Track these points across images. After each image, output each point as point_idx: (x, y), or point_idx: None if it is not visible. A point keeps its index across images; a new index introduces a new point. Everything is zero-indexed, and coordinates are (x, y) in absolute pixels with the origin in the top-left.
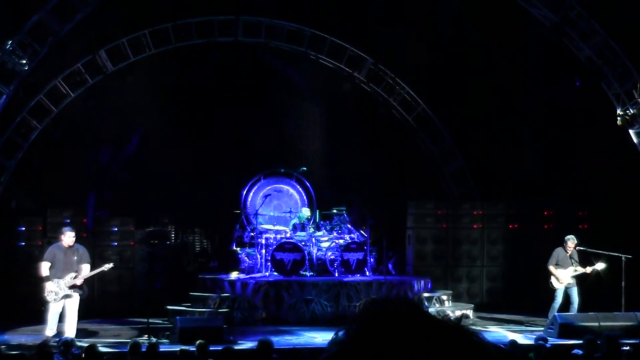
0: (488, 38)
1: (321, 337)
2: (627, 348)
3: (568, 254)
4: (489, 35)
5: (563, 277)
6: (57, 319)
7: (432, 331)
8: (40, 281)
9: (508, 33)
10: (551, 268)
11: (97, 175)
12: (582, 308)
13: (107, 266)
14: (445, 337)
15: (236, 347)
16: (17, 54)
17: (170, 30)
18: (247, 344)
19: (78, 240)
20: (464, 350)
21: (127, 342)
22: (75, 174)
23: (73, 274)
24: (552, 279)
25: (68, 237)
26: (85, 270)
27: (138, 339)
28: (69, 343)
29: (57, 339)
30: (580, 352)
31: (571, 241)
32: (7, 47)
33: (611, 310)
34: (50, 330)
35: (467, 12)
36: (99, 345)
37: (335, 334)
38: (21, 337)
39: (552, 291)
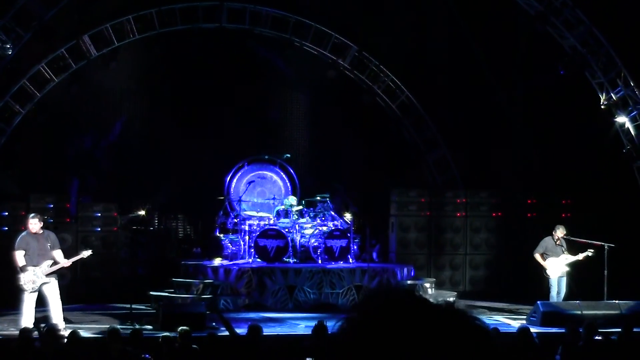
0: (473, 26)
1: (304, 324)
2: (613, 337)
3: (557, 243)
4: (474, 23)
5: (556, 266)
6: (34, 308)
7: (433, 318)
8: (17, 270)
9: (493, 21)
10: (536, 256)
11: (80, 160)
12: (566, 297)
13: (86, 253)
14: (447, 324)
15: (219, 334)
16: (1, 38)
17: (154, 15)
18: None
19: (62, 225)
20: (466, 335)
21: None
22: (59, 159)
23: (49, 262)
24: (548, 268)
25: (34, 225)
26: (59, 257)
27: (118, 325)
28: (53, 329)
29: (43, 325)
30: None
31: (560, 230)
32: None
33: (594, 298)
34: (26, 320)
35: (452, 0)
36: (80, 331)
37: (335, 324)
38: (3, 323)
39: (537, 279)
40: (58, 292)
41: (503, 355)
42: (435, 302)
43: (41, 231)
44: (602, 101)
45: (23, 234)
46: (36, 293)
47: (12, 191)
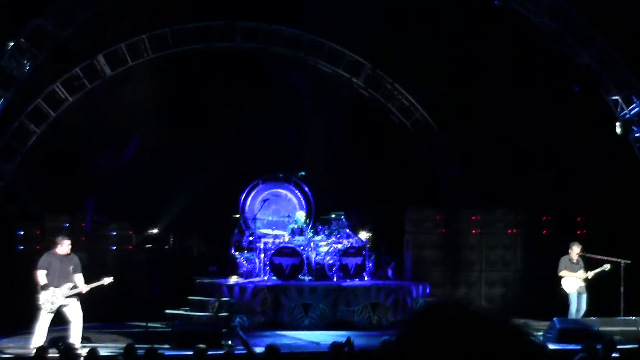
0: (487, 44)
1: (320, 341)
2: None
3: (574, 261)
4: (488, 41)
5: (572, 282)
6: (47, 329)
7: (486, 331)
8: (36, 288)
9: (507, 39)
10: (564, 272)
11: (95, 179)
12: (586, 315)
13: (107, 280)
14: (500, 338)
15: (236, 352)
16: (16, 58)
17: (168, 35)
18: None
19: (77, 244)
20: (518, 351)
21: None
22: (74, 179)
23: (70, 284)
24: (563, 284)
25: (66, 246)
26: (79, 281)
27: (133, 342)
28: (70, 348)
29: (60, 344)
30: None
31: (576, 246)
32: (6, 51)
33: (610, 315)
34: (37, 341)
35: (467, 18)
36: (99, 349)
37: (387, 337)
38: (19, 341)
39: (553, 296)
40: (81, 312)
41: None
42: (489, 315)
43: (69, 253)
44: (616, 118)
45: (47, 254)
46: (53, 314)
47: (27, 211)
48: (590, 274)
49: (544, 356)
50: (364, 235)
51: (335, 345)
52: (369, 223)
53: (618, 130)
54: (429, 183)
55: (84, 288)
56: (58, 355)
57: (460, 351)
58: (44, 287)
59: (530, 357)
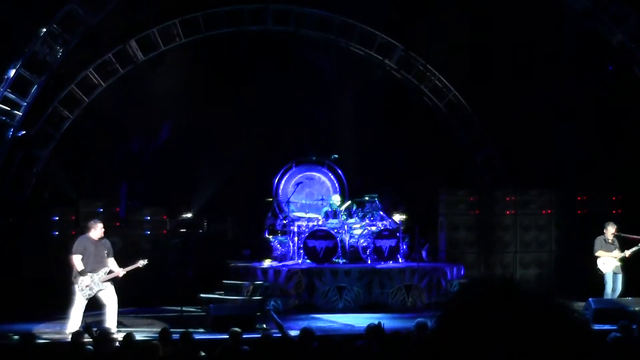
0: (519, 23)
1: (355, 324)
2: None
3: (610, 240)
4: (520, 20)
5: (608, 262)
6: (82, 313)
7: (530, 308)
8: (71, 274)
9: (540, 18)
10: (600, 252)
11: (128, 164)
12: (622, 295)
13: (142, 262)
14: (545, 315)
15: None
16: (49, 44)
17: (200, 19)
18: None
19: (111, 229)
20: (564, 327)
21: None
22: (107, 164)
23: (106, 269)
24: (599, 264)
25: (99, 230)
26: (113, 265)
27: (168, 327)
28: (106, 332)
29: (95, 328)
30: (618, 334)
31: (611, 226)
32: (39, 38)
33: None
34: (72, 326)
35: None
36: (135, 334)
37: (422, 319)
38: (55, 326)
39: (588, 276)
40: (116, 297)
41: (601, 350)
42: (533, 292)
43: (102, 237)
44: None
45: (81, 238)
46: (89, 299)
47: (61, 196)
48: (628, 253)
49: (590, 332)
50: (397, 217)
51: (371, 328)
52: (403, 205)
53: None
54: (463, 164)
55: (121, 272)
56: (94, 340)
57: (504, 329)
58: (82, 273)
59: (576, 334)
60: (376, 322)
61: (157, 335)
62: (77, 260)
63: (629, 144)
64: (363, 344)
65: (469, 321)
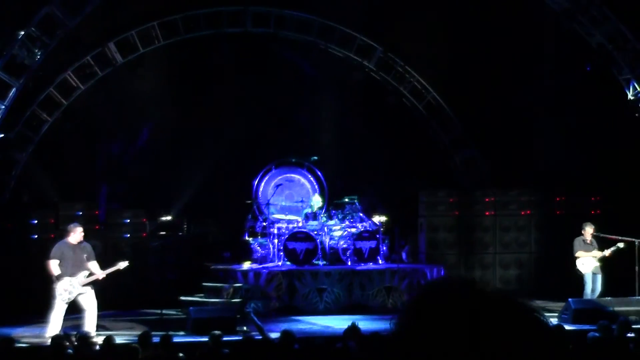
0: (498, 24)
1: (335, 326)
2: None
3: (588, 241)
4: (499, 21)
5: (587, 262)
6: (62, 318)
7: (489, 309)
8: (51, 278)
9: (518, 19)
10: (580, 253)
11: (108, 167)
12: (601, 295)
13: (122, 264)
14: (503, 315)
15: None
16: (27, 47)
17: (179, 21)
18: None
19: (91, 232)
20: (523, 328)
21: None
22: (87, 167)
23: (85, 272)
24: (578, 264)
25: (78, 234)
26: (95, 268)
27: (148, 330)
28: (85, 336)
29: (75, 332)
30: (597, 334)
31: (589, 226)
32: (17, 40)
33: (625, 295)
34: (52, 330)
35: None
36: (115, 337)
37: (391, 320)
38: (35, 330)
39: (568, 276)
40: (95, 301)
41: (564, 349)
42: (496, 292)
43: (81, 241)
44: (629, 97)
45: (59, 243)
46: (68, 303)
47: (40, 199)
48: (608, 252)
49: (550, 332)
50: (377, 219)
51: (347, 329)
52: (383, 206)
53: None
54: (442, 165)
55: (101, 274)
56: (74, 343)
57: (464, 330)
58: (58, 278)
59: (537, 333)
60: (356, 323)
61: (137, 338)
62: (53, 265)
63: (607, 145)
64: (342, 345)
65: (428, 323)
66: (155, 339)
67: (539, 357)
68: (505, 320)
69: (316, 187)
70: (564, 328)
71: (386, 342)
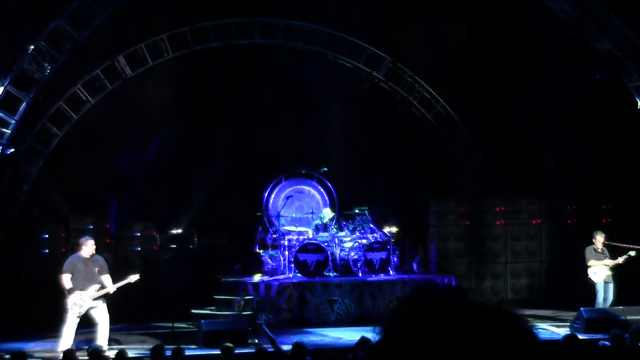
0: (507, 33)
1: (346, 337)
2: None
3: (600, 250)
4: (508, 30)
5: (599, 270)
6: (74, 332)
7: (475, 318)
8: (63, 292)
9: (526, 28)
10: (592, 262)
11: (118, 180)
12: (613, 304)
13: (133, 277)
14: (490, 324)
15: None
16: (36, 61)
17: (188, 34)
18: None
19: (102, 246)
20: (508, 337)
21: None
22: (97, 180)
23: (97, 286)
24: (590, 273)
25: (90, 247)
26: (107, 282)
27: (161, 344)
28: (98, 351)
29: (87, 346)
30: (608, 343)
31: (600, 235)
32: (27, 55)
33: (638, 303)
34: (64, 344)
35: (486, 8)
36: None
37: (378, 325)
38: (47, 345)
39: (579, 285)
40: (107, 315)
41: (547, 356)
42: (482, 301)
43: (93, 254)
44: (639, 105)
45: (72, 257)
46: (80, 317)
47: (51, 213)
48: (621, 260)
49: (535, 340)
50: (387, 229)
51: (360, 342)
52: (393, 217)
53: None
54: (452, 175)
55: (112, 288)
56: (86, 358)
57: (449, 337)
58: (70, 291)
59: (522, 341)
60: (368, 335)
61: (149, 352)
62: (65, 279)
63: (618, 152)
64: (354, 356)
65: (412, 332)
66: (167, 352)
67: None
68: (489, 329)
69: (326, 198)
70: (577, 338)
71: (372, 351)
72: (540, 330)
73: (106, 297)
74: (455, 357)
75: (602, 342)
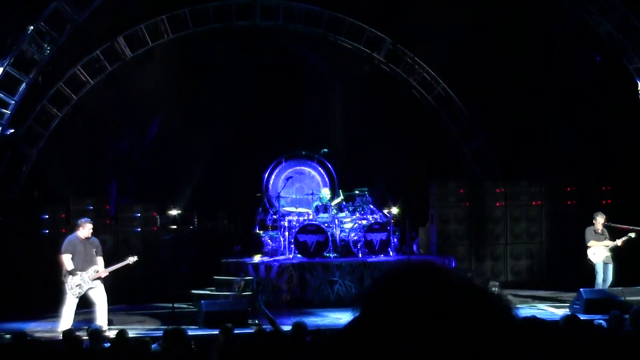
0: (508, 15)
1: (346, 318)
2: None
3: (599, 231)
4: (509, 11)
5: (598, 251)
6: (74, 312)
7: (453, 295)
8: (63, 272)
9: (528, 9)
10: (592, 242)
11: (118, 162)
12: (613, 285)
13: (132, 259)
14: (466, 302)
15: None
16: (36, 42)
17: (187, 15)
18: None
19: (102, 227)
20: (485, 314)
21: (153, 328)
22: (97, 161)
23: (95, 267)
24: (589, 254)
25: (87, 230)
26: (100, 263)
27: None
28: (98, 331)
29: (87, 327)
30: (604, 323)
31: (600, 216)
32: (26, 35)
33: (637, 284)
34: (64, 325)
35: None
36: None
37: (354, 302)
38: (47, 325)
39: (579, 267)
40: (105, 295)
41: (522, 335)
42: (461, 278)
43: (90, 236)
44: (639, 86)
45: (70, 237)
46: (79, 297)
47: (51, 194)
48: (620, 241)
49: (513, 317)
50: (388, 210)
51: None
52: (393, 198)
53: None
54: (453, 156)
55: (105, 272)
56: (86, 338)
57: (427, 314)
58: (72, 272)
59: (500, 318)
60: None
61: (151, 332)
62: (67, 260)
63: (618, 134)
64: None
65: (389, 309)
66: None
67: (500, 342)
68: (466, 305)
69: (326, 179)
70: (578, 318)
71: (348, 329)
72: (539, 311)
73: (104, 278)
74: (428, 334)
75: (597, 321)
